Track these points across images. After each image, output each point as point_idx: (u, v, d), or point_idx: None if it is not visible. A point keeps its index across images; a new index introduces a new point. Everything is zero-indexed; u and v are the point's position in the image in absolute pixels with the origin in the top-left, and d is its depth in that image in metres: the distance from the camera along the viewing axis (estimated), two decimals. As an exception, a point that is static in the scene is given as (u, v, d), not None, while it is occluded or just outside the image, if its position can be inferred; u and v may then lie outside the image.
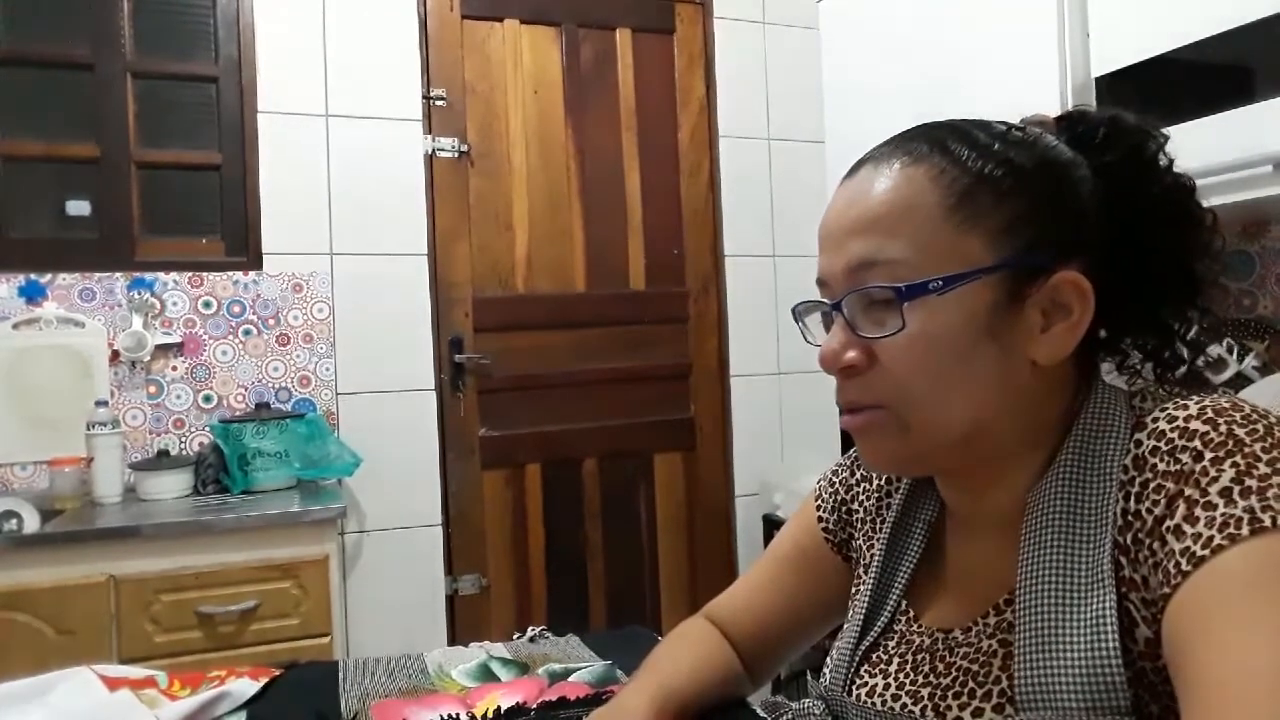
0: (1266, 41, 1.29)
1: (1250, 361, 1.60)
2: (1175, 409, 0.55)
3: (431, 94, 2.53)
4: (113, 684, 1.08)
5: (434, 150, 2.52)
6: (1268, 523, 0.48)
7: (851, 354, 0.60)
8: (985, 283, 0.57)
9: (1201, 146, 1.38)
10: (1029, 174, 0.60)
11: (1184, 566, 0.50)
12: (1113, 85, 1.54)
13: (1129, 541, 0.55)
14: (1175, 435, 0.54)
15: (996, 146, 0.61)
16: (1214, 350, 1.61)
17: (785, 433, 2.83)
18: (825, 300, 0.63)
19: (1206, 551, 0.49)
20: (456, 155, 2.55)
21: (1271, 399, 1.38)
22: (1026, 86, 1.63)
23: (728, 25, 2.83)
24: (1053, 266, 0.58)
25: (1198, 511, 0.51)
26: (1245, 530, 0.48)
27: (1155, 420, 0.56)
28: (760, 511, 2.73)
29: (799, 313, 0.68)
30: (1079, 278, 0.59)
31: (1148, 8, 1.47)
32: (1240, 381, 1.59)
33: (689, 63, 2.81)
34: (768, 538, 2.62)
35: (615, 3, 2.73)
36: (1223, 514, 0.49)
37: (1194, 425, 0.53)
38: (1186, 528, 0.51)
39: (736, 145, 2.83)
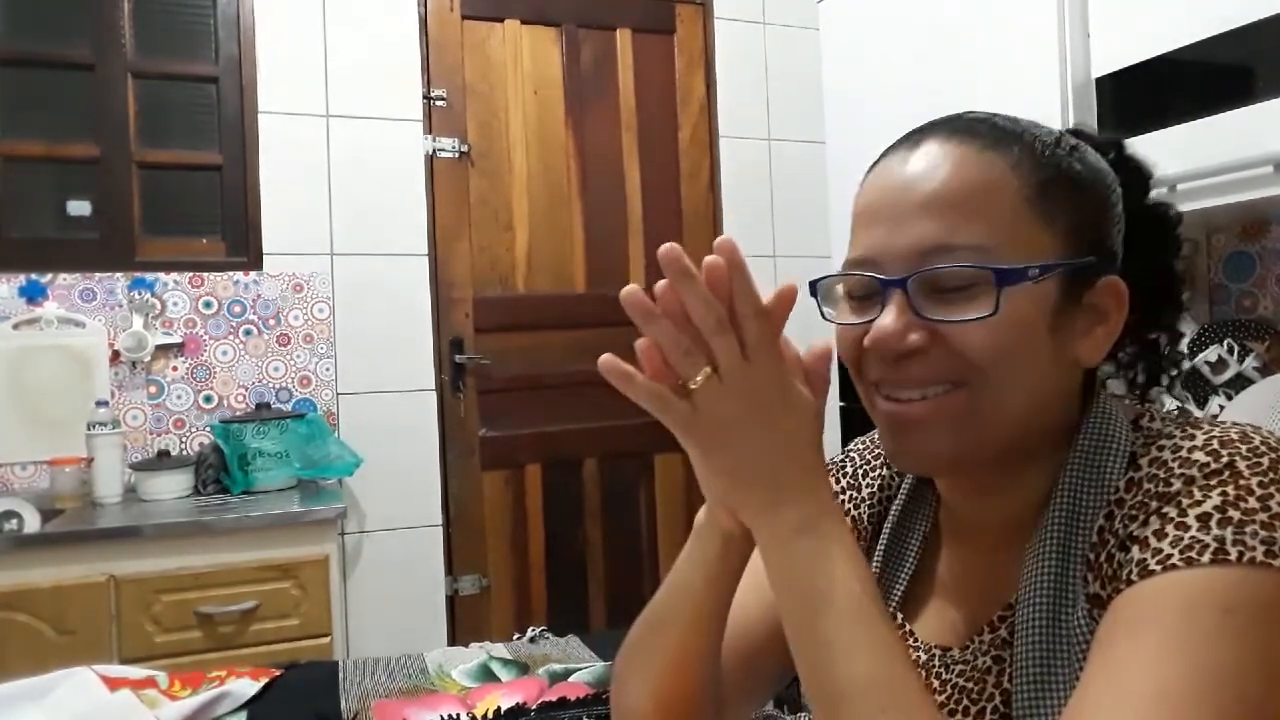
0: (1266, 42, 1.29)
1: (1250, 362, 1.60)
2: (1182, 438, 0.54)
3: (432, 94, 2.53)
4: (113, 684, 1.09)
5: (434, 150, 2.52)
6: (1232, 556, 0.46)
7: (915, 336, 0.57)
8: (1056, 277, 0.57)
9: (1201, 146, 1.38)
10: (1089, 180, 0.60)
11: (1133, 576, 0.49)
12: (1113, 85, 1.54)
13: (1101, 558, 0.54)
14: (1175, 465, 0.53)
15: (1061, 147, 0.61)
16: (1214, 351, 1.61)
17: (785, 433, 2.82)
18: (877, 276, 0.58)
19: (1159, 568, 0.48)
20: (457, 155, 2.55)
21: (1272, 399, 1.38)
22: (1027, 86, 1.63)
23: (728, 25, 2.83)
24: (1103, 270, 0.60)
25: (1169, 529, 0.50)
26: (1205, 558, 0.47)
27: (1161, 449, 0.55)
28: (760, 512, 2.73)
29: (822, 287, 0.63)
30: (1120, 283, 0.60)
31: (1148, 8, 1.47)
32: (1241, 382, 1.59)
33: (689, 63, 2.81)
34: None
35: (615, 3, 2.73)
36: (1191, 537, 0.48)
37: (1196, 455, 0.52)
38: (1152, 541, 0.50)
39: (736, 145, 2.83)
